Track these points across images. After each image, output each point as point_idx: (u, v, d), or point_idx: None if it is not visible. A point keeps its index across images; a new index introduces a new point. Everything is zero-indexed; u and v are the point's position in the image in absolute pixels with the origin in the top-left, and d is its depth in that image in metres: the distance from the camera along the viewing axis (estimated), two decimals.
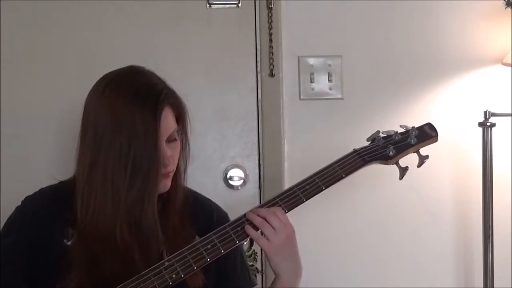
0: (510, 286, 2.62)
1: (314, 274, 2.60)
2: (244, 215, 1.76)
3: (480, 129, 2.53)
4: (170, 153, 1.78)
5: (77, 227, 1.76)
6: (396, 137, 1.89)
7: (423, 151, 1.91)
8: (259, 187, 2.61)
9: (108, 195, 1.73)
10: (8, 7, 2.52)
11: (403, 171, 1.88)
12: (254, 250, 2.55)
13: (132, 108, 1.72)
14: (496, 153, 2.54)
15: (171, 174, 1.81)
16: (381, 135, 1.90)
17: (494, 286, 2.52)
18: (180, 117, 1.85)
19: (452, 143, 2.65)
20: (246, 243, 2.51)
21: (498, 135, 2.55)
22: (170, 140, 1.79)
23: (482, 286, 2.54)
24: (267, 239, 1.74)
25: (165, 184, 1.80)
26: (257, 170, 2.62)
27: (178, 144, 1.83)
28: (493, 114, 2.52)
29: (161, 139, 1.74)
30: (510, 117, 2.59)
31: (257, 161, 2.62)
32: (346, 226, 2.66)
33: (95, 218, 1.74)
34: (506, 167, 2.63)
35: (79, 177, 1.78)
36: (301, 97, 2.65)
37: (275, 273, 1.81)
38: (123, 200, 1.72)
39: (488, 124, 2.52)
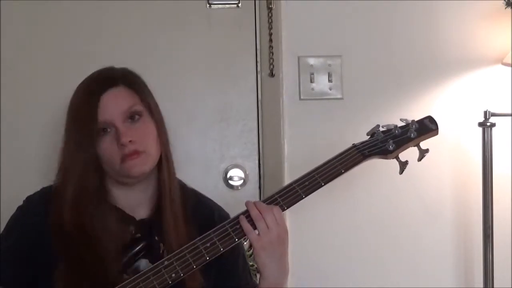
0: (510, 286, 2.62)
1: (313, 274, 2.61)
2: (243, 213, 1.76)
3: (480, 129, 2.53)
4: (130, 132, 1.78)
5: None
6: (396, 131, 1.88)
7: (424, 144, 1.90)
8: (259, 187, 2.62)
9: (67, 192, 1.79)
10: (8, 7, 2.52)
11: (403, 165, 1.88)
12: None
13: (78, 97, 1.84)
14: (496, 153, 2.53)
15: (142, 156, 1.79)
16: (381, 129, 1.89)
17: (494, 286, 2.52)
18: (139, 95, 1.85)
19: (452, 143, 2.65)
20: (246, 243, 2.52)
21: (498, 135, 2.55)
22: (131, 117, 1.80)
23: (482, 286, 2.54)
24: (258, 234, 1.74)
25: (133, 166, 1.79)
26: (257, 170, 2.62)
27: (145, 124, 1.83)
28: (493, 114, 2.52)
29: (105, 121, 1.78)
30: (510, 117, 2.59)
31: (257, 161, 2.62)
32: (346, 227, 2.65)
33: (63, 212, 1.78)
34: (506, 167, 2.63)
35: None
36: (301, 97, 2.65)
37: (259, 271, 1.80)
38: (78, 195, 1.78)
39: (488, 124, 2.52)
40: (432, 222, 2.66)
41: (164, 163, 1.86)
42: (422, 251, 2.66)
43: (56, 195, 1.81)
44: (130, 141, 1.77)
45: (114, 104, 1.79)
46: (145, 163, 1.80)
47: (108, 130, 1.79)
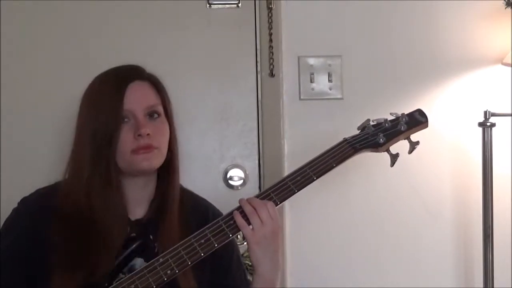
0: (510, 286, 2.62)
1: (311, 274, 2.60)
2: (237, 209, 1.78)
3: (480, 129, 2.53)
4: (149, 127, 1.79)
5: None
6: (386, 125, 1.90)
7: (414, 137, 1.92)
8: (259, 187, 2.61)
9: (74, 171, 1.81)
10: (8, 7, 2.52)
11: (394, 158, 1.89)
12: None
13: (102, 85, 1.82)
14: (496, 153, 2.53)
15: (155, 151, 1.80)
16: (371, 123, 1.91)
17: (494, 286, 2.52)
18: (161, 97, 1.87)
19: (452, 143, 2.65)
20: (245, 243, 2.51)
21: (498, 135, 2.55)
22: (151, 114, 1.82)
23: (482, 286, 2.54)
24: (252, 229, 1.75)
25: (144, 159, 1.79)
26: (257, 170, 2.62)
27: (163, 124, 1.85)
28: (493, 114, 2.52)
29: (129, 110, 1.78)
30: (510, 117, 2.59)
31: (257, 161, 2.62)
32: (346, 227, 2.65)
33: (68, 199, 1.79)
34: (506, 167, 2.63)
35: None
36: (301, 97, 2.65)
37: (253, 266, 1.81)
38: (87, 179, 1.77)
39: (488, 124, 2.51)
40: (432, 222, 2.66)
41: (173, 167, 1.89)
42: (422, 251, 2.66)
43: (68, 185, 1.81)
44: (148, 134, 1.78)
45: (140, 96, 1.82)
46: (156, 159, 1.82)
47: (126, 120, 1.80)
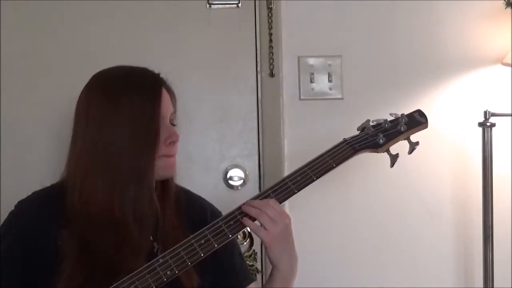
0: (510, 286, 2.61)
1: (310, 275, 2.60)
2: (237, 209, 1.77)
3: (480, 129, 2.53)
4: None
5: (69, 217, 1.75)
6: (386, 125, 1.89)
7: (414, 137, 1.92)
8: (259, 187, 2.61)
9: (104, 173, 1.74)
10: (8, 7, 2.53)
11: (394, 158, 1.88)
12: (254, 250, 2.56)
13: (127, 87, 1.76)
14: (496, 153, 2.53)
15: (174, 158, 1.82)
16: (371, 123, 1.90)
17: (494, 286, 2.52)
18: (173, 103, 1.86)
19: (452, 143, 2.65)
20: (246, 243, 2.52)
21: (498, 135, 2.55)
22: (171, 123, 1.82)
23: (482, 286, 2.54)
24: (265, 229, 1.74)
25: (171, 166, 1.81)
26: (257, 170, 2.62)
27: (177, 130, 1.84)
28: (493, 114, 2.52)
29: (161, 115, 1.76)
30: (510, 117, 2.59)
31: (257, 161, 2.62)
32: (345, 228, 2.65)
33: (90, 197, 1.74)
34: (506, 167, 2.63)
35: (71, 164, 1.80)
36: (301, 97, 2.65)
37: (273, 264, 1.81)
38: (120, 176, 1.73)
39: (488, 124, 2.51)
40: (432, 222, 2.66)
41: None
42: (422, 251, 2.66)
43: (87, 187, 1.76)
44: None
45: (168, 102, 1.81)
46: (175, 166, 1.83)
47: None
